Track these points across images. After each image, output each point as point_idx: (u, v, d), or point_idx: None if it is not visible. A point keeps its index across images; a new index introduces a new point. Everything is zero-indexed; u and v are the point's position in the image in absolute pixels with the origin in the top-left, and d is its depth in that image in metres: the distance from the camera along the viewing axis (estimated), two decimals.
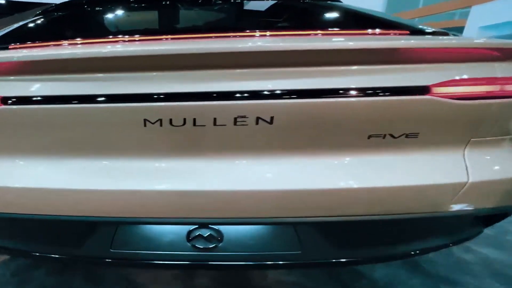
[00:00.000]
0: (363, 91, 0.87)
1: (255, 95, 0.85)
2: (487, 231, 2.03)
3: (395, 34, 1.02)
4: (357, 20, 1.35)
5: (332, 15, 1.41)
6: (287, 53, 0.85)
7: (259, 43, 0.88)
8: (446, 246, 1.15)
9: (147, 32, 1.09)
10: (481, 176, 0.99)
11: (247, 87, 0.85)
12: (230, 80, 0.85)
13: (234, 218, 0.95)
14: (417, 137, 0.95)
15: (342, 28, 1.06)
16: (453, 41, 0.94)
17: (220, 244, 0.99)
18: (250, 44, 0.86)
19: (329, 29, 1.01)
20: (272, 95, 0.85)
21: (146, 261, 1.03)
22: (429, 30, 1.16)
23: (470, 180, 0.96)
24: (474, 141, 1.00)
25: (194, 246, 0.99)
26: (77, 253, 1.04)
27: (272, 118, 0.87)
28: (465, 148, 1.00)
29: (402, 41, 0.91)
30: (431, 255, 1.81)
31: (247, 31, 1.01)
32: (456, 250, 1.91)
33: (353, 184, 0.94)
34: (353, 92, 0.87)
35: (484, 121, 0.97)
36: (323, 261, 1.04)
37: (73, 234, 1.04)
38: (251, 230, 1.02)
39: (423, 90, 0.89)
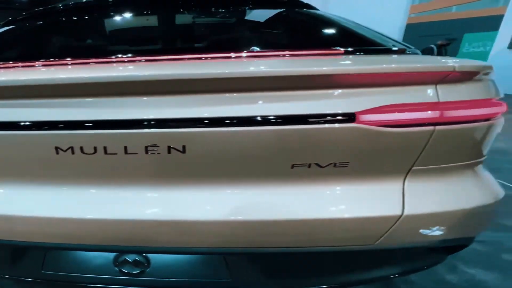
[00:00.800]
0: (280, 119, 0.82)
1: (165, 123, 0.82)
2: (479, 247, 1.91)
3: (327, 54, 0.94)
4: (299, 36, 1.28)
5: (274, 30, 1.34)
6: (193, 81, 0.80)
7: (165, 69, 0.84)
8: (395, 275, 1.08)
9: (64, 54, 1.08)
10: (420, 208, 0.92)
11: (156, 115, 0.82)
12: (138, 107, 0.82)
13: (156, 247, 0.93)
14: (347, 166, 0.88)
15: (275, 46, 1.00)
16: (382, 65, 0.86)
17: (147, 269, 0.98)
18: (153, 71, 0.82)
19: (258, 48, 0.94)
20: (183, 123, 0.82)
21: (76, 283, 1.03)
22: (380, 46, 1.07)
23: (405, 213, 0.89)
24: (417, 170, 0.92)
25: (121, 270, 0.98)
26: (12, 273, 1.06)
27: (184, 147, 0.83)
28: (405, 177, 0.93)
29: (323, 67, 0.84)
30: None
31: (161, 53, 0.97)
32: (440, 268, 1.80)
33: (277, 216, 0.89)
34: (269, 120, 0.82)
35: (426, 149, 0.89)
36: None
37: (7, 255, 1.05)
38: (180, 257, 1.00)
39: (348, 117, 0.82)
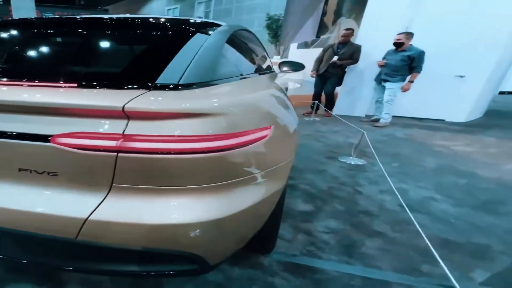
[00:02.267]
0: (4, 134, 1.12)
1: None
2: (355, 283, 1.84)
3: (57, 86, 1.19)
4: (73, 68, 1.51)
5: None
6: None
7: None
8: (138, 273, 1.26)
9: None
10: (113, 216, 1.12)
11: None
12: None
13: None
14: (57, 175, 1.14)
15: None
16: (72, 101, 1.09)
17: None
18: None
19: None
20: None
21: None
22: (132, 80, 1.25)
23: (90, 218, 1.10)
24: (118, 186, 1.13)
25: None
26: None
27: None
28: (109, 191, 1.14)
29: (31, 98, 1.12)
30: None
31: None
32: None
33: (10, 205, 1.19)
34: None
35: (117, 171, 1.10)
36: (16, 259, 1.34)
37: None
38: None
39: (45, 138, 1.08)
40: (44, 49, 1.84)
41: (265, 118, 1.40)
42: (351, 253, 2.13)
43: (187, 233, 1.15)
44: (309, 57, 7.47)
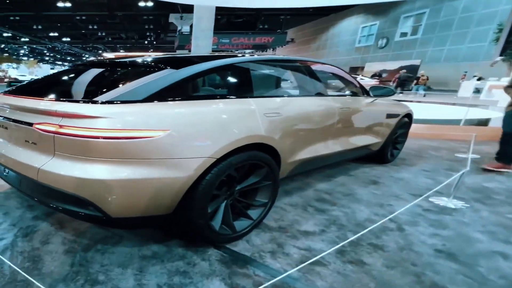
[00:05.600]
0: (26, 123, 2.13)
1: None
2: None
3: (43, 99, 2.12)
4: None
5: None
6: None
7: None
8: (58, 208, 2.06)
9: None
10: (53, 169, 1.93)
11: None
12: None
13: None
14: (36, 144, 2.05)
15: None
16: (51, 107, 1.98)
17: None
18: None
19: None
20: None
21: None
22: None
23: (41, 168, 1.96)
24: (58, 154, 1.93)
25: None
26: None
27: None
28: (53, 155, 1.96)
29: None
30: None
31: None
32: None
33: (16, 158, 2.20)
34: (21, 121, 2.16)
35: (56, 144, 1.91)
36: None
37: None
38: None
39: (30, 124, 2.04)
40: (57, 80, 2.99)
41: (160, 124, 1.90)
42: (305, 269, 2.04)
43: (87, 184, 1.84)
44: None
